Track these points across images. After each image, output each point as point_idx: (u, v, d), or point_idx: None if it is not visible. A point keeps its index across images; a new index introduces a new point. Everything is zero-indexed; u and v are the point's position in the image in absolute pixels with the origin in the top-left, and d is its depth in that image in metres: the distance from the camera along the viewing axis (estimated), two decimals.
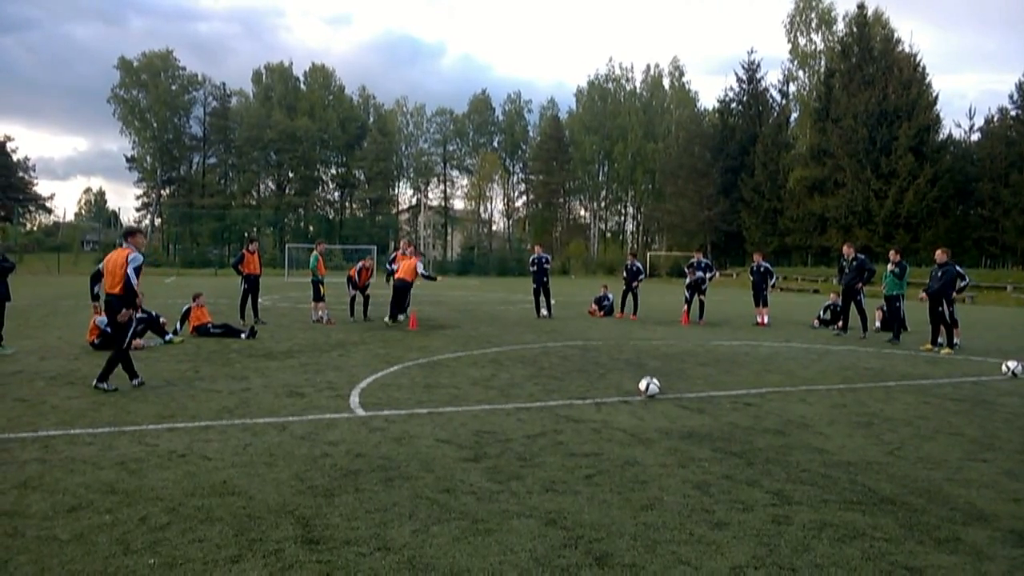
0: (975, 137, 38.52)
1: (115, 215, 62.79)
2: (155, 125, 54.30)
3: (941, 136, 37.85)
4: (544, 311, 13.94)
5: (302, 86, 58.31)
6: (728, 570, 2.66)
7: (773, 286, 14.18)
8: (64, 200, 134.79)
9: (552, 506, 3.31)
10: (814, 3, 45.98)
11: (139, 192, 56.96)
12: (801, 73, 47.14)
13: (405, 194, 63.48)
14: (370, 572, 2.60)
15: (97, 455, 4.03)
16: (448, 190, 62.42)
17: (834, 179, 38.52)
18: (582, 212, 63.10)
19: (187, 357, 7.93)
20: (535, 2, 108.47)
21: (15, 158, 52.24)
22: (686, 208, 46.35)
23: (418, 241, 49.03)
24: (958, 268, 10.01)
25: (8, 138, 52.17)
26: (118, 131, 58.62)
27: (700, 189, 45.09)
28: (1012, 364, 7.57)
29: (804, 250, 41.26)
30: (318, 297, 12.18)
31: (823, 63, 44.83)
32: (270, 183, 59.24)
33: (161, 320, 9.30)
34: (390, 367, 7.37)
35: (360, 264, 12.94)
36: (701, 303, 13.39)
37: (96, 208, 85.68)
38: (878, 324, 12.33)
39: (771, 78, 65.87)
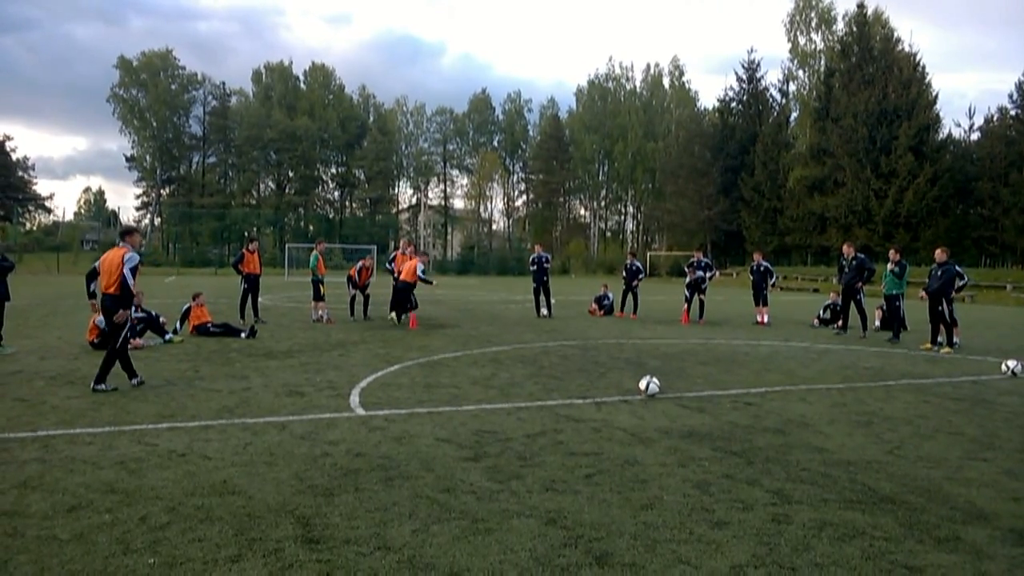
0: (975, 136, 38.55)
1: (115, 214, 62.85)
2: (155, 124, 54.28)
3: (941, 135, 37.86)
4: (544, 310, 13.94)
5: (302, 85, 58.28)
6: (728, 569, 2.66)
7: (773, 285, 14.18)
8: (63, 200, 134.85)
9: (552, 505, 3.32)
10: (814, 2, 45.96)
11: (139, 191, 57.06)
12: (801, 72, 47.16)
13: (405, 193, 63.59)
14: (370, 571, 2.60)
15: (97, 455, 4.03)
16: (448, 189, 62.50)
17: (834, 178, 38.51)
18: (582, 211, 63.13)
19: (187, 356, 7.93)
20: (535, 1, 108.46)
21: (14, 157, 52.21)
22: (686, 207, 46.35)
23: (418, 240, 49.04)
24: (957, 268, 10.02)
25: (8, 137, 52.29)
26: (118, 130, 58.79)
27: (700, 188, 45.10)
28: (1012, 363, 7.57)
29: (804, 249, 41.27)
30: (318, 296, 12.17)
31: (823, 62, 44.81)
32: (270, 182, 59.25)
33: (161, 320, 9.30)
34: (390, 366, 7.37)
35: (360, 263, 12.94)
36: (701, 302, 13.39)
37: (96, 207, 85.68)
38: (878, 323, 12.33)
39: (771, 77, 66.14)
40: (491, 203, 61.66)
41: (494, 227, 63.26)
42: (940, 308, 9.65)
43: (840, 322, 11.99)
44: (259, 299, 12.26)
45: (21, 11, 79.41)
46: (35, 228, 55.76)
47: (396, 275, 12.87)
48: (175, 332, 9.51)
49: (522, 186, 63.07)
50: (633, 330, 11.82)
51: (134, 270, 5.81)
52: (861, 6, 40.09)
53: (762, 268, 13.67)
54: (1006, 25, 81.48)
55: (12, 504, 3.23)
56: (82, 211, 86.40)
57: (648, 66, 64.50)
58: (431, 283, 11.91)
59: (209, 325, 9.96)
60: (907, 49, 38.61)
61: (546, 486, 3.59)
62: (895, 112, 36.21)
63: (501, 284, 31.65)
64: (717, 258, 42.33)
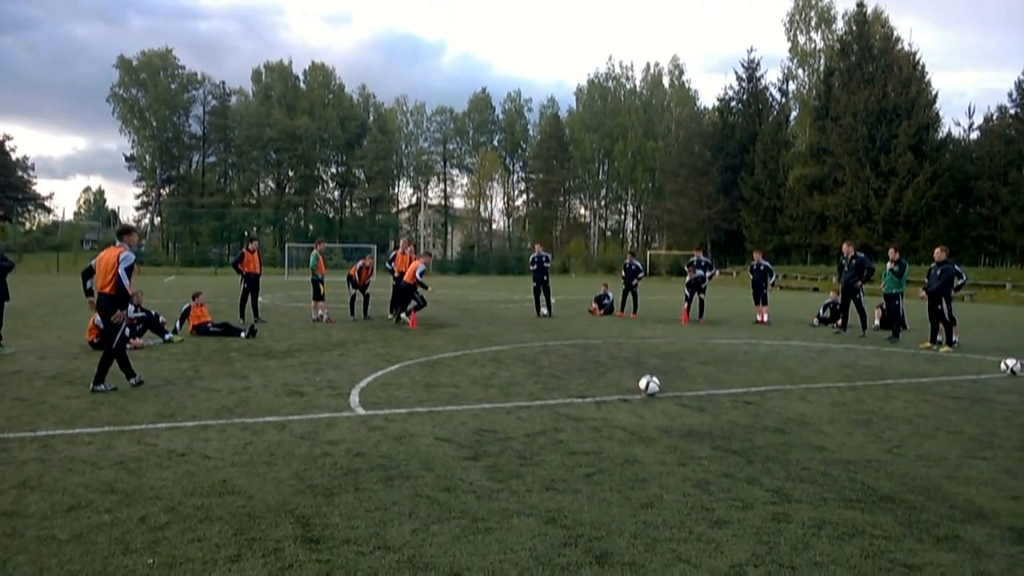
0: (974, 135, 38.54)
1: (114, 214, 62.83)
2: (154, 124, 54.25)
3: (940, 134, 37.84)
4: (544, 310, 13.94)
5: (302, 85, 58.24)
6: (728, 568, 2.66)
7: (773, 284, 14.18)
8: (63, 199, 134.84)
9: (552, 504, 3.32)
10: (813, 1, 45.90)
11: (138, 191, 57.04)
12: (801, 71, 47.12)
13: (405, 193, 63.57)
14: (370, 571, 2.60)
15: (96, 455, 4.02)
16: (448, 189, 62.47)
17: (834, 177, 38.51)
18: (582, 211, 63.12)
19: (187, 356, 7.93)
20: (535, 1, 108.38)
21: (14, 157, 52.17)
22: (686, 206, 46.35)
23: (418, 240, 49.01)
24: (956, 267, 10.02)
25: (7, 137, 52.19)
26: (117, 130, 58.76)
27: (700, 187, 45.09)
28: (1011, 362, 7.57)
29: (804, 248, 41.26)
30: (318, 296, 12.17)
31: (822, 61, 44.78)
32: (270, 182, 59.23)
33: (161, 319, 9.29)
34: (390, 366, 7.37)
35: (360, 263, 12.94)
36: (701, 301, 13.39)
37: (95, 207, 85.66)
38: (877, 322, 12.34)
39: (771, 76, 66.05)
40: (491, 202, 61.74)
41: (494, 226, 63.28)
42: (939, 307, 9.66)
43: (840, 321, 11.99)
44: (259, 299, 12.26)
45: (21, 11, 79.45)
46: (35, 228, 55.74)
47: (397, 275, 12.92)
48: (175, 332, 9.50)
49: (522, 185, 63.08)
50: (633, 329, 11.82)
51: (129, 270, 5.78)
52: (861, 5, 40.08)
53: (762, 267, 13.66)
54: (1005, 24, 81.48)
55: (11, 504, 3.23)
56: (82, 211, 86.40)
57: (648, 65, 64.73)
58: (426, 288, 11.89)
59: (209, 325, 9.96)
60: (906, 48, 38.61)
61: (546, 485, 3.59)
62: (895, 111, 36.19)
63: (501, 283, 31.64)
64: (717, 257, 42.35)
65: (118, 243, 5.97)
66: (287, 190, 57.90)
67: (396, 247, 15.98)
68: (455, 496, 3.42)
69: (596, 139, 57.29)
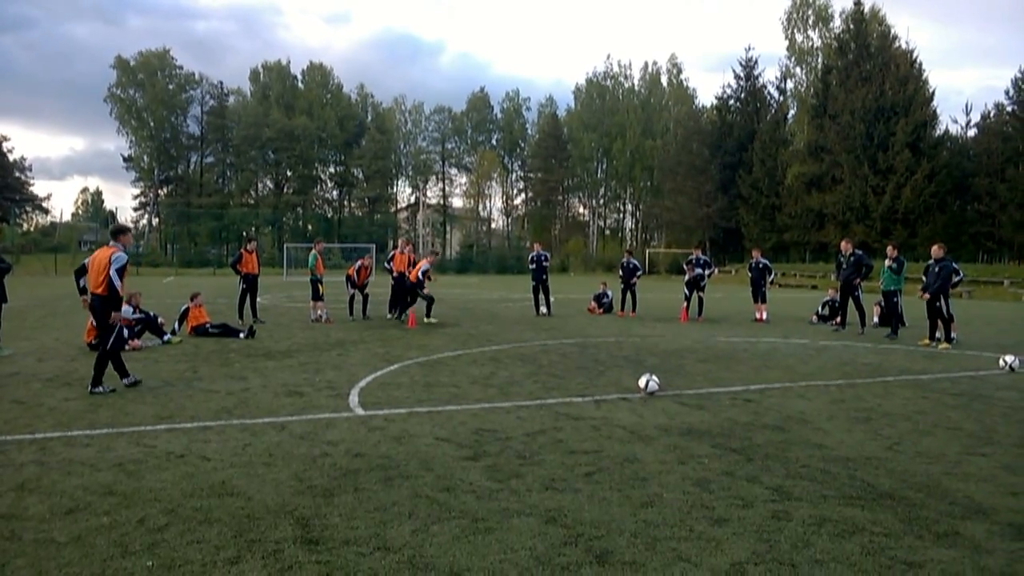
0: (972, 133, 38.63)
1: (112, 215, 62.60)
2: (152, 124, 54.14)
3: (938, 132, 37.92)
4: (543, 309, 13.94)
5: (300, 85, 58.16)
6: (728, 566, 2.66)
7: (772, 282, 14.18)
8: (61, 200, 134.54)
9: (552, 504, 3.31)
10: (811, 0, 45.95)
11: (136, 192, 56.94)
12: (798, 70, 47.16)
13: (404, 192, 63.55)
14: (370, 572, 2.59)
15: (95, 457, 4.01)
16: (447, 188, 62.47)
17: (832, 175, 38.55)
18: (581, 209, 63.16)
19: (185, 357, 7.91)
20: (534, 1, 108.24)
21: (11, 158, 52.04)
22: (685, 205, 46.37)
23: (417, 240, 48.97)
24: (954, 264, 10.04)
25: (5, 138, 52.02)
26: (115, 130, 58.54)
27: (699, 186, 45.12)
28: (1009, 358, 7.58)
29: (802, 246, 41.32)
30: (317, 296, 12.15)
31: (820, 60, 44.83)
32: (268, 182, 59.15)
33: (159, 320, 9.27)
34: (389, 366, 7.36)
35: (359, 263, 12.92)
36: (700, 300, 13.39)
37: (93, 208, 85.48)
38: (876, 319, 12.35)
39: (768, 75, 66.14)
40: (490, 202, 61.76)
41: (493, 226, 63.30)
42: (937, 304, 9.67)
43: (838, 318, 12.01)
44: (257, 299, 12.25)
45: (21, 10, 79.13)
46: (32, 229, 55.61)
47: (396, 275, 12.92)
48: (173, 333, 9.49)
49: (521, 184, 63.08)
50: (632, 328, 11.82)
51: (121, 271, 5.73)
52: (858, 3, 40.10)
53: (761, 265, 13.67)
54: (1002, 22, 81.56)
55: (9, 507, 3.22)
56: (80, 212, 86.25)
57: (646, 64, 64.78)
58: (423, 290, 11.90)
59: (207, 325, 9.94)
60: (904, 46, 38.66)
61: (546, 485, 3.59)
62: (892, 109, 36.23)
63: (500, 283, 31.64)
64: (716, 255, 42.39)
65: (112, 243, 5.93)
66: (285, 190, 57.83)
67: (395, 247, 15.96)
68: (455, 496, 3.41)
69: (595, 138, 57.28)
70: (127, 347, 8.25)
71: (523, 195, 62.72)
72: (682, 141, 48.39)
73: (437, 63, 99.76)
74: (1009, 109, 35.62)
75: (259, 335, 9.89)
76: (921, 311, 10.50)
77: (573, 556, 2.73)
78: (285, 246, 39.38)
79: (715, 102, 49.16)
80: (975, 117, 39.10)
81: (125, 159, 55.91)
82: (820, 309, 13.50)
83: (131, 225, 51.46)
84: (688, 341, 9.97)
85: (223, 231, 53.23)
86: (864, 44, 39.13)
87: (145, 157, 55.17)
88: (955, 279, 10.03)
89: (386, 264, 13.87)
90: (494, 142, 62.10)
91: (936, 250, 10.00)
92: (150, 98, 53.00)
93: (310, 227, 55.74)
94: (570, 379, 6.71)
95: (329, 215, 58.76)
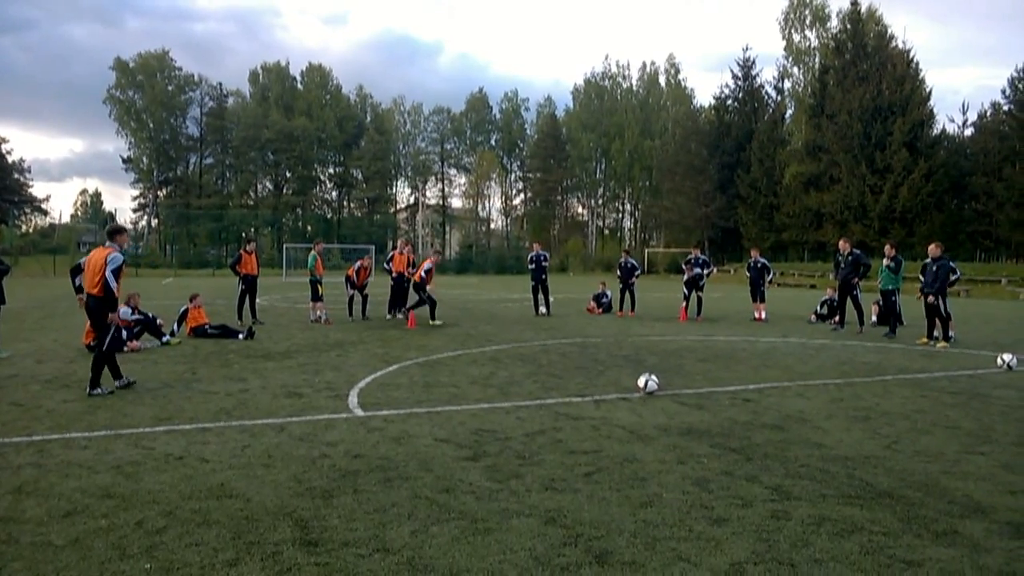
0: (968, 132, 38.72)
1: (111, 216, 62.56)
2: (151, 126, 54.08)
3: (935, 131, 38.02)
4: (543, 309, 13.94)
5: (299, 86, 58.14)
6: (728, 566, 2.66)
7: (770, 282, 14.21)
8: (60, 202, 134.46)
9: (552, 504, 3.31)
10: (808, 0, 46.03)
11: (135, 193, 56.87)
12: (796, 70, 47.30)
13: (403, 193, 63.56)
14: (369, 574, 2.59)
15: (93, 459, 4.00)
16: (446, 189, 62.48)
17: (829, 175, 38.63)
18: (580, 209, 63.22)
19: (184, 359, 7.90)
20: (532, 1, 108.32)
21: (10, 160, 51.94)
22: (683, 205, 46.43)
23: (416, 240, 48.96)
24: (951, 263, 10.06)
25: (3, 140, 51.88)
26: (114, 132, 58.57)
27: (697, 186, 45.18)
28: (1007, 357, 7.60)
29: (800, 245, 41.39)
30: (316, 297, 12.14)
31: (817, 60, 44.93)
32: (267, 183, 59.10)
33: (158, 321, 9.26)
34: (389, 366, 7.36)
35: (358, 263, 12.91)
36: (699, 299, 13.40)
37: (92, 209, 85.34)
38: (874, 318, 12.37)
39: (766, 75, 66.31)
40: (489, 202, 61.78)
41: (492, 226, 63.31)
42: (929, 301, 9.69)
43: (837, 318, 12.02)
44: (257, 300, 12.23)
45: (19, 11, 78.98)
46: (31, 231, 55.51)
47: (395, 275, 12.94)
48: (172, 334, 9.47)
49: (520, 185, 63.09)
50: (631, 328, 11.82)
51: (116, 272, 5.70)
52: (855, 3, 40.20)
53: (759, 264, 13.68)
54: (999, 21, 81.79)
55: (7, 510, 3.21)
56: (79, 213, 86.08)
57: (644, 64, 64.81)
58: (422, 291, 11.91)
59: (207, 327, 9.93)
60: (900, 46, 38.78)
61: (545, 485, 3.59)
62: (889, 108, 36.32)
63: (499, 283, 31.63)
64: (714, 255, 42.41)
65: (108, 244, 5.90)
66: (285, 191, 57.79)
67: (394, 247, 15.95)
68: (454, 497, 3.41)
69: (593, 138, 57.33)
70: (125, 348, 8.24)
71: (522, 195, 62.76)
72: (680, 141, 48.45)
73: (436, 64, 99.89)
74: (1006, 108, 35.74)
75: (258, 336, 9.87)
76: (919, 310, 10.52)
77: (573, 556, 2.73)
78: (284, 247, 39.34)
79: (713, 102, 49.27)
80: (972, 116, 39.26)
81: (124, 160, 55.90)
82: (819, 308, 13.51)
83: (128, 225, 51.47)
84: (687, 340, 9.97)
85: (222, 232, 53.16)
86: (861, 44, 39.23)
87: (144, 158, 55.10)
88: (952, 278, 10.06)
89: (385, 265, 13.86)
90: (493, 142, 62.13)
91: (933, 249, 10.02)
92: (149, 99, 52.94)
93: (309, 228, 55.70)
94: (569, 379, 6.71)
95: (328, 216, 58.72)
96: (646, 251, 47.80)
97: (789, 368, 7.55)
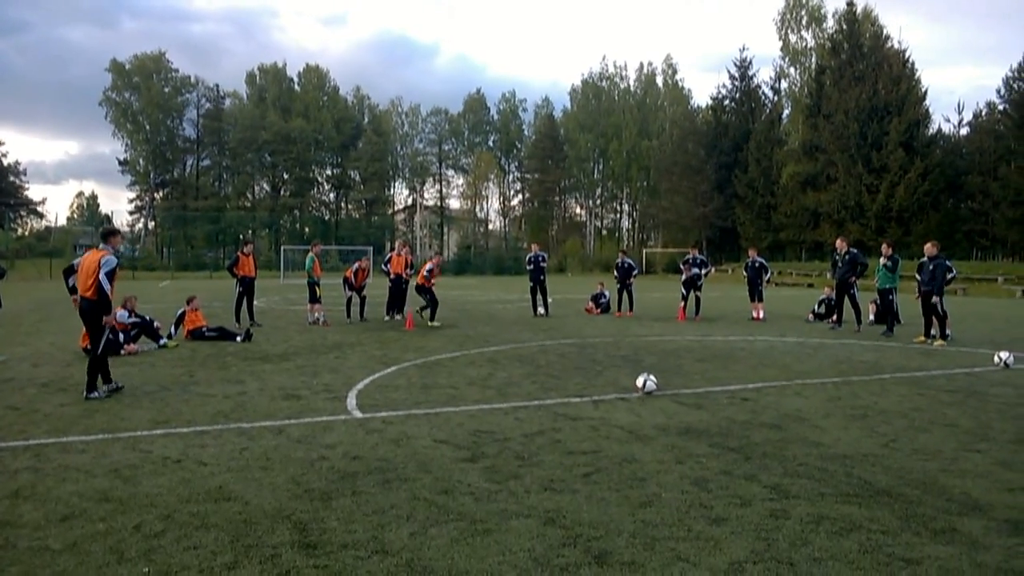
0: (964, 131, 38.85)
1: (108, 219, 62.43)
2: (148, 128, 53.92)
3: (931, 131, 38.15)
4: (541, 309, 13.94)
5: (296, 87, 58.03)
6: (727, 566, 2.66)
7: (768, 281, 14.24)
8: (56, 204, 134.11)
9: (551, 505, 3.31)
10: (804, 1, 46.20)
11: (132, 195, 56.74)
12: (792, 70, 47.42)
13: (401, 194, 63.50)
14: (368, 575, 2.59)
15: (90, 463, 3.99)
16: (444, 190, 62.43)
17: (826, 174, 38.74)
18: (578, 210, 63.24)
19: (182, 361, 7.88)
20: (529, 2, 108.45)
21: (5, 163, 51.78)
22: (681, 204, 46.51)
23: (414, 242, 48.96)
24: (947, 262, 10.10)
25: None
26: (110, 134, 58.31)
27: (695, 185, 45.26)
28: (1004, 355, 7.63)
29: (798, 245, 41.49)
30: (314, 299, 12.12)
31: (814, 60, 45.05)
32: (265, 185, 58.97)
33: (155, 324, 9.24)
34: (387, 368, 7.35)
35: (356, 265, 12.89)
36: (697, 299, 13.42)
37: (89, 212, 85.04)
38: (872, 317, 12.40)
39: (763, 75, 66.29)
40: (487, 203, 61.72)
41: (490, 227, 63.27)
42: (933, 301, 9.72)
43: (835, 317, 12.05)
44: (254, 302, 12.20)
45: (16, 14, 78.70)
46: (27, 234, 55.26)
47: (393, 276, 12.96)
48: (169, 337, 9.45)
49: (518, 185, 63.09)
50: (630, 328, 11.83)
51: (110, 274, 5.64)
52: (850, 4, 40.35)
53: (757, 264, 13.71)
54: (994, 20, 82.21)
55: (4, 514, 3.20)
56: (75, 216, 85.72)
57: (641, 65, 64.67)
58: (425, 291, 11.93)
59: (204, 329, 9.90)
60: (896, 46, 38.93)
61: (544, 486, 3.59)
62: (885, 108, 36.45)
63: (498, 284, 31.63)
64: (712, 255, 42.49)
65: (102, 246, 5.85)
66: (282, 193, 57.67)
67: (392, 249, 15.94)
68: (453, 498, 3.40)
69: (591, 138, 57.39)
70: (123, 352, 8.22)
71: (520, 196, 62.76)
72: (678, 141, 48.53)
73: (433, 65, 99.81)
74: (1001, 107, 35.90)
75: (256, 338, 9.85)
76: (916, 309, 10.55)
77: (572, 557, 2.73)
78: (282, 249, 39.29)
79: (710, 102, 49.37)
80: (967, 116, 39.22)
81: (120, 163, 55.70)
82: (816, 307, 13.55)
83: (125, 228, 51.44)
84: (685, 340, 9.99)
85: (219, 234, 53.03)
86: (857, 44, 39.37)
87: (141, 160, 54.96)
88: (948, 276, 10.10)
89: (383, 266, 13.84)
90: (491, 143, 62.12)
91: (929, 248, 10.05)
92: (145, 101, 52.81)
93: (307, 230, 55.59)
94: (568, 379, 6.71)
95: (326, 217, 58.63)
96: (644, 251, 47.86)
97: (787, 367, 7.56)
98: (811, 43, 46.14)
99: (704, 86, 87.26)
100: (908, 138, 35.69)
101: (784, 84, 47.49)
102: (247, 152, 54.86)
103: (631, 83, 59.77)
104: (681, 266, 14.17)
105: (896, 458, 4.11)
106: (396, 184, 62.22)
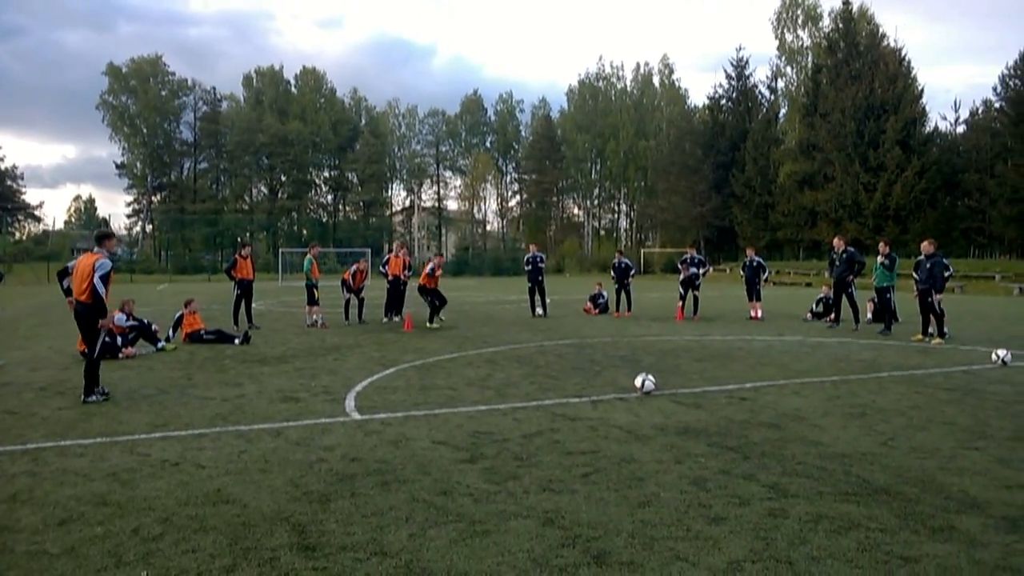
0: (961, 130, 39.01)
1: (105, 222, 62.27)
2: (145, 131, 53.85)
3: (927, 129, 38.29)
4: (539, 310, 13.95)
5: (293, 89, 58.04)
6: (725, 565, 2.67)
7: (766, 280, 14.26)
8: (53, 208, 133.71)
9: (549, 505, 3.31)
10: (800, 0, 46.32)
11: (130, 199, 56.61)
12: (789, 69, 47.52)
13: (398, 196, 63.50)
14: None
15: (88, 466, 3.98)
16: (442, 191, 62.45)
17: (823, 173, 38.84)
18: (575, 210, 63.25)
19: (180, 364, 7.86)
20: (525, 3, 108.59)
21: (3, 167, 51.67)
22: (678, 204, 46.57)
23: (412, 243, 48.91)
24: (944, 259, 10.13)
25: None
26: (107, 137, 58.19)
27: (692, 185, 45.33)
28: (1001, 352, 7.65)
29: (795, 244, 41.59)
30: (312, 301, 12.11)
31: (810, 59, 45.18)
32: (262, 187, 58.92)
33: (153, 327, 9.22)
34: (385, 370, 7.35)
35: (355, 267, 12.89)
36: (695, 298, 13.44)
37: (86, 216, 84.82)
38: (870, 316, 12.43)
39: (759, 74, 66.47)
40: (485, 204, 61.76)
41: (488, 228, 63.30)
42: (930, 299, 9.75)
43: (832, 315, 12.08)
44: (252, 305, 12.19)
45: (13, 19, 78.52)
46: (24, 238, 55.14)
47: (391, 278, 12.96)
48: (168, 340, 9.43)
49: (515, 186, 63.12)
50: (628, 328, 11.84)
51: (105, 278, 5.59)
52: (846, 3, 40.49)
53: (755, 263, 13.73)
54: (990, 18, 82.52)
55: (1, 519, 3.19)
56: (72, 220, 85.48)
57: (638, 65, 64.84)
58: (431, 292, 11.97)
59: (202, 332, 9.89)
60: (892, 44, 39.04)
61: (543, 486, 3.59)
62: (882, 107, 36.56)
63: (496, 285, 31.64)
64: (710, 254, 42.57)
65: (96, 249, 5.81)
66: (280, 195, 57.63)
67: (390, 250, 15.93)
68: (452, 499, 3.40)
69: (588, 139, 57.44)
70: (121, 355, 8.20)
71: (518, 197, 62.80)
72: (675, 141, 48.60)
73: (430, 66, 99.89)
74: (997, 105, 36.04)
75: (254, 341, 9.84)
76: (913, 307, 10.57)
77: (571, 557, 2.73)
78: (280, 251, 39.28)
79: (707, 102, 49.46)
80: (964, 114, 39.60)
81: (118, 166, 55.62)
82: (814, 306, 13.57)
83: (123, 231, 51.32)
84: (684, 340, 10.00)
85: (217, 237, 52.97)
86: (853, 43, 39.50)
87: (138, 164, 54.86)
88: (945, 274, 10.12)
89: (381, 268, 13.84)
90: (488, 144, 62.17)
91: (926, 246, 10.08)
92: (142, 104, 52.74)
93: (305, 232, 55.53)
94: (566, 380, 6.71)
95: (324, 219, 58.60)
96: (642, 251, 47.92)
97: (785, 366, 7.57)
98: (807, 42, 46.30)
99: (701, 86, 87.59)
100: (905, 136, 35.80)
101: (781, 83, 47.65)
102: (244, 155, 54.81)
103: (628, 83, 59.90)
104: (679, 266, 14.19)
105: (894, 456, 4.12)
106: (394, 186, 62.29)
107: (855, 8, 40.77)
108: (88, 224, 74.18)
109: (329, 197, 60.90)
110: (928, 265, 9.84)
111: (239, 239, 45.45)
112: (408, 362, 7.88)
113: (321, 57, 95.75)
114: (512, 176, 63.47)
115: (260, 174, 57.67)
